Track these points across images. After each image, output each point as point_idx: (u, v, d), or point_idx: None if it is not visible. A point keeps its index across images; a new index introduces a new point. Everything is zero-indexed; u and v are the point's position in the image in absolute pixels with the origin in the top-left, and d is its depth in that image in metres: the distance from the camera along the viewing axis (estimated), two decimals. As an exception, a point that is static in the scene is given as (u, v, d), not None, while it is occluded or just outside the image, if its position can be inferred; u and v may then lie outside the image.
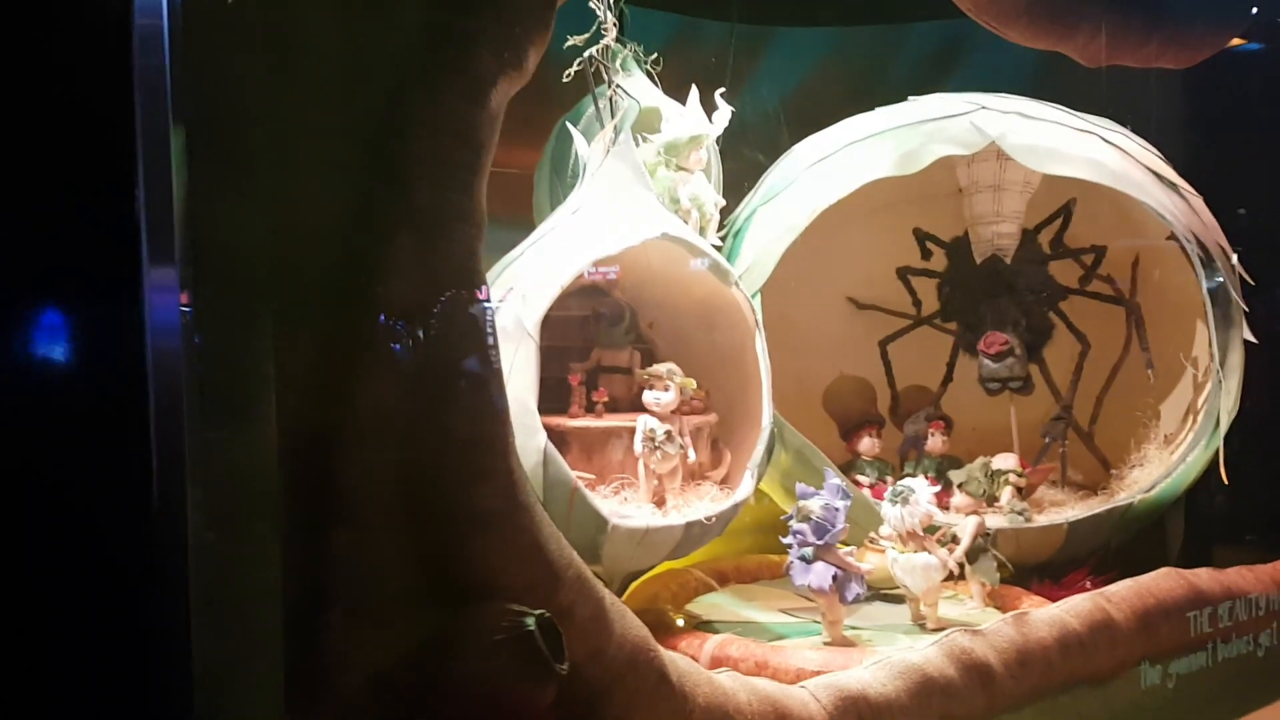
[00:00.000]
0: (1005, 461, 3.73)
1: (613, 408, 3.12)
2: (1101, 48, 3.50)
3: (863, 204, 4.16)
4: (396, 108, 1.67)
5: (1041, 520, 3.50)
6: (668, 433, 2.95)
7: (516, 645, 1.62)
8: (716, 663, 2.80)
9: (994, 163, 3.77)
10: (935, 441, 3.85)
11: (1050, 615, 2.59)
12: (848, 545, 3.03)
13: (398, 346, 1.64)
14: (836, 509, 2.91)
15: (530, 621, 1.64)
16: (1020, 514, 3.50)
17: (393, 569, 1.66)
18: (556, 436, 2.99)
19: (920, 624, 3.12)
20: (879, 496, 3.74)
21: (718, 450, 3.27)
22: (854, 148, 3.58)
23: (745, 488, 3.01)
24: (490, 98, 1.72)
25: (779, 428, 3.51)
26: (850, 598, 2.90)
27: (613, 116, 3.18)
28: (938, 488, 3.20)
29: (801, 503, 2.94)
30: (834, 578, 2.88)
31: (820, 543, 2.89)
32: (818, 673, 2.63)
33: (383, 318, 1.63)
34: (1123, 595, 2.73)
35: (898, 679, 2.27)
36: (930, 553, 3.06)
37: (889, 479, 3.83)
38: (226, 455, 1.35)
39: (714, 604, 3.38)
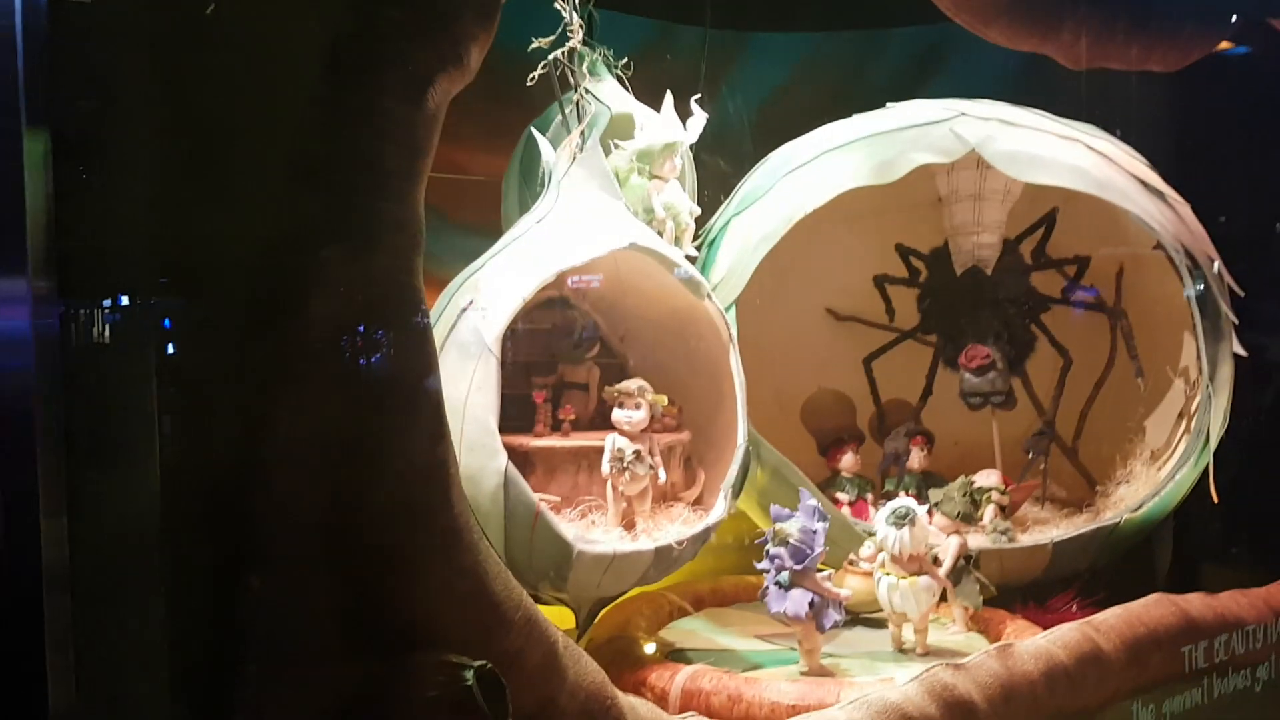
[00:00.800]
0: (988, 479, 3.61)
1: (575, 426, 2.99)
2: (1084, 49, 3.38)
3: (841, 213, 4.02)
4: (321, 108, 1.53)
5: (1026, 540, 3.38)
6: (636, 453, 2.82)
7: (453, 702, 1.47)
8: (688, 696, 2.67)
9: (974, 171, 3.66)
10: (915, 458, 3.73)
11: (1036, 647, 2.46)
12: (825, 569, 2.90)
13: (323, 370, 1.50)
14: (814, 531, 2.78)
15: (469, 674, 1.50)
16: (1003, 534, 3.38)
17: (316, 616, 1.51)
18: (520, 457, 2.86)
19: (903, 649, 3.00)
20: (859, 515, 3.62)
21: (691, 470, 3.14)
22: (830, 155, 3.45)
23: (718, 510, 2.88)
24: (427, 97, 1.58)
25: (755, 445, 3.38)
26: (828, 625, 2.77)
27: (579, 121, 3.05)
28: (926, 506, 3.07)
29: (778, 525, 2.80)
30: (810, 604, 2.75)
31: (798, 568, 2.76)
32: (794, 707, 2.51)
33: (306, 338, 1.48)
34: (1111, 624, 2.60)
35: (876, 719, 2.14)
36: (930, 575, 2.94)
37: (869, 496, 3.71)
38: (98, 494, 1.20)
39: (689, 630, 3.25)
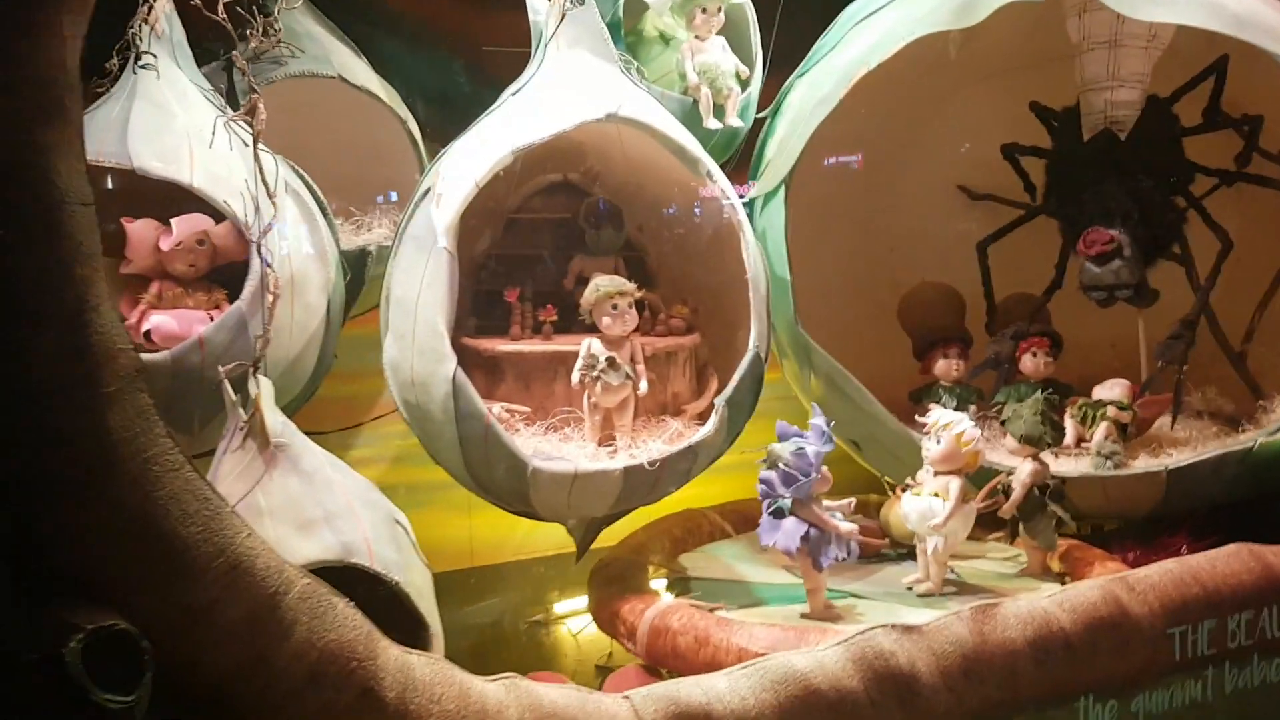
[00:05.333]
0: (1111, 390, 3.00)
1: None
2: None
3: (975, 71, 3.45)
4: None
5: (1137, 466, 2.77)
6: (610, 359, 2.45)
7: (47, 667, 1.23)
8: (656, 633, 2.35)
9: (1110, 13, 2.95)
10: (1034, 363, 3.13)
11: (1030, 609, 1.93)
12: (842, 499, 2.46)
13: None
14: (808, 455, 2.34)
15: (77, 639, 1.25)
16: (1108, 458, 2.78)
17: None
18: (488, 362, 2.58)
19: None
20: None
21: (704, 378, 2.74)
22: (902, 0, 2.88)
23: (708, 427, 2.47)
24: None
25: (805, 350, 2.93)
26: (826, 563, 2.35)
27: (573, -27, 2.64)
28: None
29: (771, 447, 2.39)
30: (805, 538, 2.33)
31: (786, 496, 2.35)
32: (760, 654, 2.13)
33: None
34: (1153, 581, 2.02)
35: (765, 692, 1.73)
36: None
37: (973, 408, 3.16)
38: None
39: (714, 555, 2.89)
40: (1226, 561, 2.09)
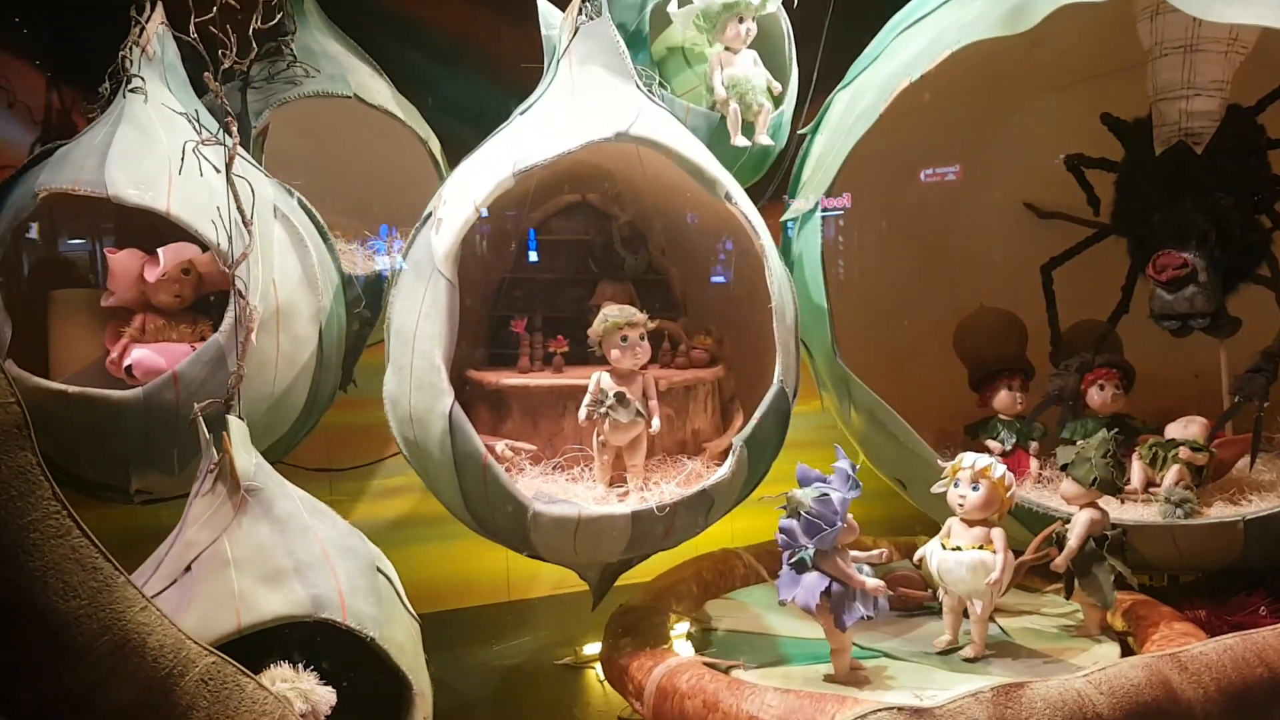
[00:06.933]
0: (1185, 429, 2.73)
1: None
2: None
3: (1037, 81, 3.22)
4: None
5: (1212, 515, 2.50)
6: (620, 395, 2.28)
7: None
8: (662, 695, 2.17)
9: (1186, 15, 2.69)
10: (1102, 396, 2.89)
11: (1060, 691, 1.70)
12: (873, 549, 2.27)
13: None
14: (836, 501, 2.14)
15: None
16: (1179, 505, 2.52)
17: None
18: (493, 396, 2.43)
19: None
20: (1017, 468, 2.83)
21: (730, 414, 2.55)
22: (949, 6, 2.66)
23: (724, 469, 2.28)
24: None
25: (844, 383, 2.72)
26: (850, 621, 2.13)
27: (589, -16, 2.49)
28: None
29: (791, 493, 2.19)
30: (826, 593, 2.13)
31: (810, 547, 2.14)
32: (770, 724, 1.95)
33: None
34: (1210, 660, 1.77)
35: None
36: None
37: (1033, 445, 2.92)
38: None
39: (744, 603, 2.70)
40: (1298, 637, 1.83)
